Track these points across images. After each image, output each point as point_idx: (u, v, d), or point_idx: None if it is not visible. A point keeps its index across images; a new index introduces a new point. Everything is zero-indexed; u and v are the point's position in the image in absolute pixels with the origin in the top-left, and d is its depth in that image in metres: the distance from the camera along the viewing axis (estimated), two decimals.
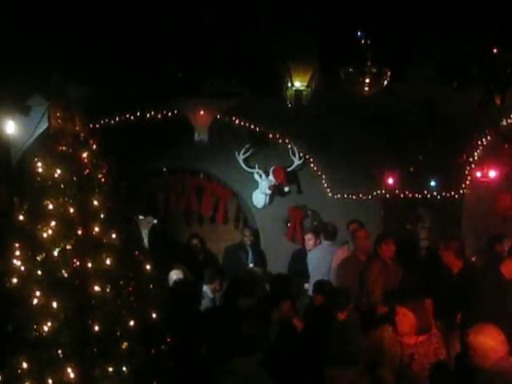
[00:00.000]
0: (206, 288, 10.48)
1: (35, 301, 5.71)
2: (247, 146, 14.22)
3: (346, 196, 14.59)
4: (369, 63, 7.96)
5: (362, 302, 9.99)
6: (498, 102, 8.79)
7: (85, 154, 6.05)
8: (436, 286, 9.77)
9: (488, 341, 6.31)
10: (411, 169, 13.97)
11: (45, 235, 5.81)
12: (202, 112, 11.12)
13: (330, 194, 14.69)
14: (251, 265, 13.58)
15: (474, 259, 11.73)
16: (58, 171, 5.94)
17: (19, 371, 5.63)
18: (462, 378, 6.94)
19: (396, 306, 7.64)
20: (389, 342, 7.54)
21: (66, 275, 5.74)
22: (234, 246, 14.08)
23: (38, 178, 5.97)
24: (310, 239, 13.32)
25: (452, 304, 9.40)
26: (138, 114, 12.64)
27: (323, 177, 14.67)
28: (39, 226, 5.83)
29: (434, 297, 9.47)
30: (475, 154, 13.86)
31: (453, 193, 14.14)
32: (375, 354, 7.59)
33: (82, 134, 6.10)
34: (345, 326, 8.33)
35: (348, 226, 12.89)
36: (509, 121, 12.80)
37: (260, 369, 6.25)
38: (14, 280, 5.80)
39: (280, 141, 14.27)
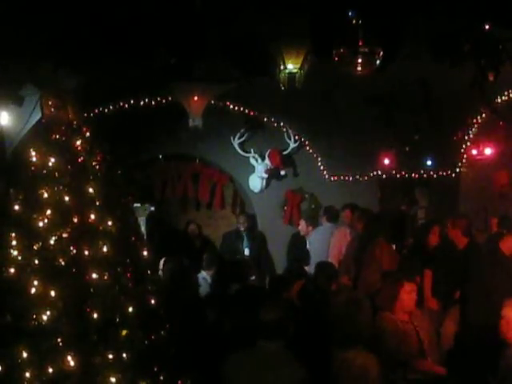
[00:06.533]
0: (204, 274, 10.50)
1: (33, 290, 5.69)
2: (242, 130, 14.19)
3: (342, 178, 14.60)
4: (361, 43, 7.94)
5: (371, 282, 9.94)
6: (491, 78, 8.80)
7: (78, 142, 6.02)
8: (437, 261, 9.82)
9: None
10: (407, 148, 13.97)
11: (41, 224, 5.79)
12: (195, 97, 11.12)
13: (326, 176, 14.68)
14: (246, 250, 13.59)
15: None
16: (52, 160, 5.91)
17: (19, 361, 5.63)
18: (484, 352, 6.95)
19: (405, 282, 7.56)
20: (392, 324, 7.47)
21: (63, 263, 5.73)
22: (231, 232, 14.09)
23: (33, 168, 5.95)
24: (301, 226, 13.57)
25: (452, 280, 9.44)
26: (132, 101, 12.64)
27: (319, 159, 14.66)
28: (35, 215, 5.81)
29: (434, 271, 9.55)
30: (470, 131, 13.89)
31: (449, 171, 14.17)
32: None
33: (74, 122, 6.09)
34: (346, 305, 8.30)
35: (342, 210, 12.89)
36: (503, 98, 12.83)
37: (285, 350, 6.22)
38: (12, 270, 5.79)
39: (275, 124, 14.26)
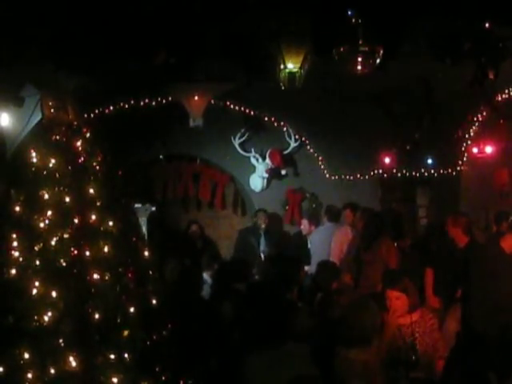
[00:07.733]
0: (204, 274, 10.49)
1: (34, 291, 5.68)
2: (243, 130, 14.20)
3: (343, 177, 14.60)
4: (361, 42, 7.94)
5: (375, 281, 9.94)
6: (492, 76, 8.80)
7: (78, 143, 6.02)
8: (438, 260, 9.82)
9: None
10: (408, 147, 13.97)
11: (42, 225, 5.79)
12: (195, 97, 11.12)
13: (327, 176, 14.68)
14: (262, 248, 13.55)
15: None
16: (53, 161, 5.90)
17: (21, 362, 5.63)
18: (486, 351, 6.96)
19: (386, 290, 7.53)
20: (386, 327, 7.45)
21: (64, 264, 5.72)
22: (247, 230, 14.05)
23: (33, 169, 5.94)
24: (304, 225, 13.54)
25: (453, 279, 9.43)
26: (132, 102, 12.64)
27: (320, 158, 14.66)
28: (36, 216, 5.80)
29: (435, 270, 9.54)
30: (471, 130, 13.88)
31: (450, 170, 14.16)
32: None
33: (75, 123, 6.08)
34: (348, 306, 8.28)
35: (343, 209, 12.88)
36: (503, 96, 12.82)
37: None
38: (13, 271, 5.79)
39: (275, 124, 14.26)
